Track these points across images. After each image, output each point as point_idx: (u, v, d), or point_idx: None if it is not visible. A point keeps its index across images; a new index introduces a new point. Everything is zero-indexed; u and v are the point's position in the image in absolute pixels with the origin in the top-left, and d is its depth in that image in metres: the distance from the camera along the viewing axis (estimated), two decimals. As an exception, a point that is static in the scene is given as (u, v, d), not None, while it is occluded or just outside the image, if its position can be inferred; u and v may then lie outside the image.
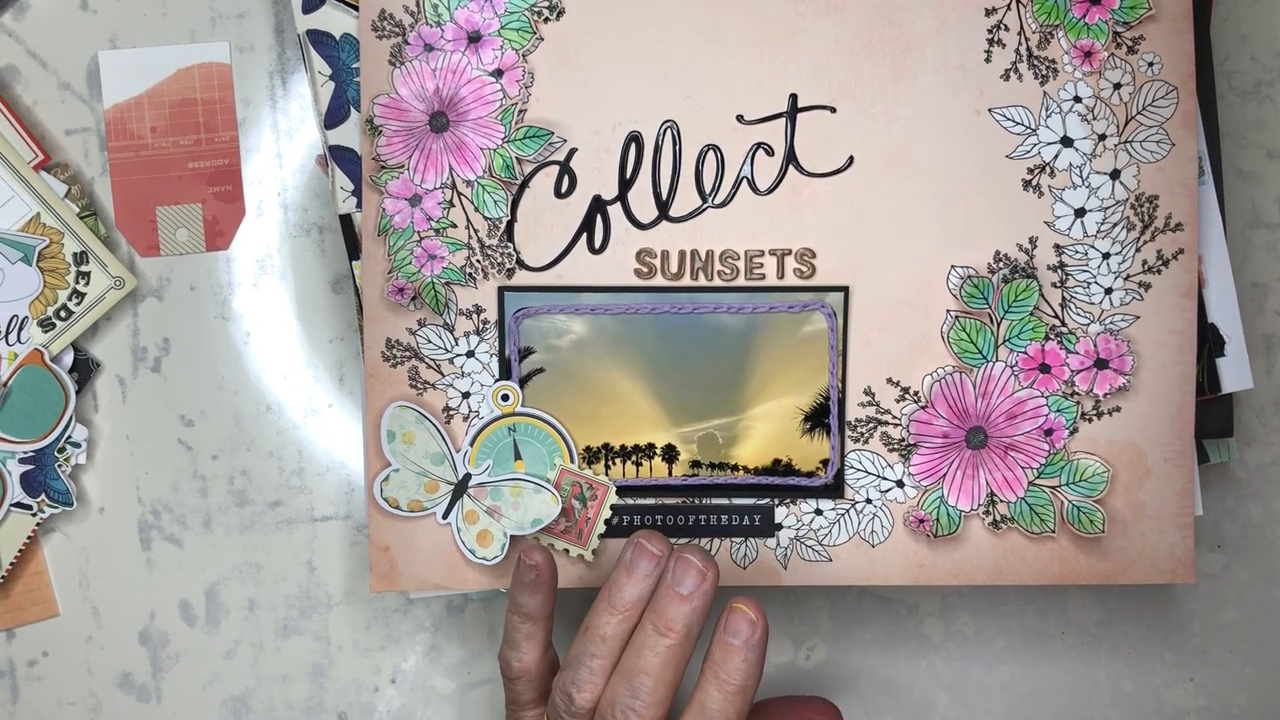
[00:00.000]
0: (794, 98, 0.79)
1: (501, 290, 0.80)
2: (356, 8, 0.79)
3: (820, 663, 0.89)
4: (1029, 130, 0.79)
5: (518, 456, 0.80)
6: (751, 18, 0.78)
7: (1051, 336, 0.79)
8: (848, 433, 0.80)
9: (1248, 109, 0.86)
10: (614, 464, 0.80)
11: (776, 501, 0.81)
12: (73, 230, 0.83)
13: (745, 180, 0.79)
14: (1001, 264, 0.79)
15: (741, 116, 0.79)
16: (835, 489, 0.81)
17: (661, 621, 0.71)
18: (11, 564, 0.85)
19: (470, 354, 0.80)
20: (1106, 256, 0.79)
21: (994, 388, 0.79)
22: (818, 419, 0.80)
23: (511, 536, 0.80)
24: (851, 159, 0.79)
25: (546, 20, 0.79)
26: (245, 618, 0.87)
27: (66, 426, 0.84)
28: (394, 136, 0.79)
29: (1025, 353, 0.79)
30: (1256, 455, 0.88)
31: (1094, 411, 0.80)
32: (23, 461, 0.83)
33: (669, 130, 0.79)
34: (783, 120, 0.79)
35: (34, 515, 0.84)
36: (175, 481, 0.87)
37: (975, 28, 0.78)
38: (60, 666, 0.88)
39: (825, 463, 0.80)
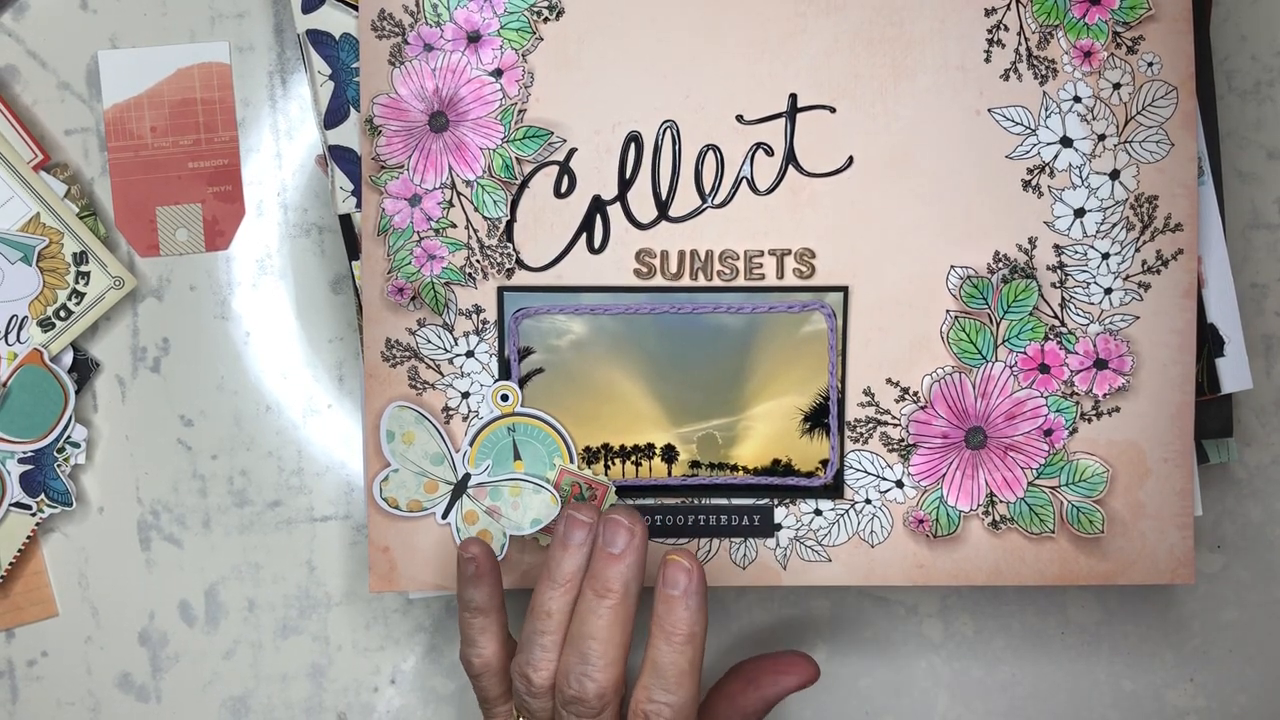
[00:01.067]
0: (794, 98, 0.79)
1: (501, 290, 0.80)
2: (356, 8, 0.79)
3: (820, 663, 0.88)
4: (1028, 130, 0.79)
5: (517, 457, 0.80)
6: (751, 18, 0.79)
7: (1051, 337, 0.79)
8: (847, 433, 0.80)
9: (1248, 109, 0.86)
10: (613, 464, 0.80)
11: (776, 502, 0.81)
12: (72, 230, 0.83)
13: (745, 180, 0.79)
14: (1001, 264, 0.79)
15: (741, 116, 0.79)
16: (835, 489, 0.81)
17: (599, 584, 0.72)
18: (11, 564, 0.85)
19: (470, 354, 0.80)
20: (1106, 257, 0.79)
21: (993, 388, 0.79)
22: (817, 419, 0.80)
23: (511, 537, 0.80)
24: (851, 159, 0.79)
25: (546, 20, 0.79)
26: (245, 618, 0.87)
27: (66, 426, 0.84)
28: (393, 136, 0.79)
29: (1025, 353, 0.79)
30: (1256, 455, 0.88)
31: (1093, 412, 0.80)
32: (22, 461, 0.83)
33: (668, 130, 0.79)
34: (782, 120, 0.79)
35: (33, 515, 0.84)
36: (175, 481, 0.87)
37: (975, 28, 0.78)
38: (60, 666, 0.88)
39: (825, 463, 0.80)
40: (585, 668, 0.72)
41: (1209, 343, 0.82)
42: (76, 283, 0.83)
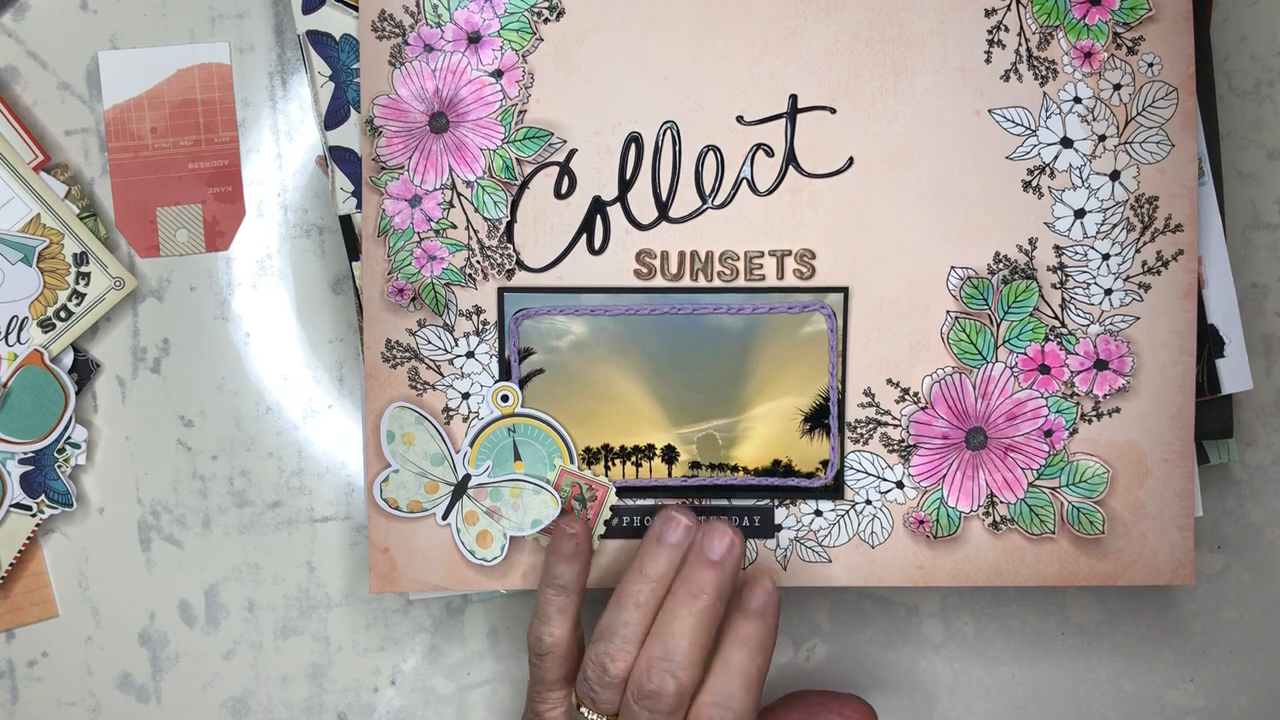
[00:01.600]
0: (794, 98, 0.79)
1: (501, 291, 0.80)
2: (356, 8, 0.79)
3: (820, 663, 0.89)
4: (1029, 131, 0.79)
5: (517, 457, 0.80)
6: (752, 18, 0.78)
7: (1051, 337, 0.79)
8: (847, 434, 0.80)
9: (1248, 109, 0.86)
10: (614, 465, 0.80)
11: (776, 502, 0.81)
12: (73, 231, 0.83)
13: (745, 181, 0.79)
14: (1001, 265, 0.79)
15: (741, 117, 0.79)
16: (835, 490, 0.81)
17: (695, 586, 0.74)
18: (11, 564, 0.85)
19: (470, 355, 0.80)
20: (1106, 257, 0.79)
21: (994, 389, 0.79)
22: (817, 420, 0.80)
23: (511, 537, 0.80)
24: (851, 160, 0.79)
25: (546, 21, 0.79)
26: (245, 618, 0.87)
27: (66, 427, 0.84)
28: (394, 137, 0.79)
29: (1025, 354, 0.79)
30: (1256, 456, 0.88)
31: (1094, 412, 0.80)
32: (22, 462, 0.83)
33: (669, 131, 0.79)
34: (783, 121, 0.79)
35: (34, 516, 0.84)
36: (175, 482, 0.87)
37: (975, 28, 0.78)
38: (60, 667, 0.88)
39: (825, 464, 0.80)
40: (669, 664, 0.73)
41: (1209, 343, 0.82)
42: (77, 283, 0.83)
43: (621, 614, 0.75)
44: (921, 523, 0.80)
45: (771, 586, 0.74)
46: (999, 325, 0.79)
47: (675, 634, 0.73)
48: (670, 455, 0.80)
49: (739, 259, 0.79)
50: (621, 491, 0.80)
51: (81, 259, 0.83)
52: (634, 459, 0.80)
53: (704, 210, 0.79)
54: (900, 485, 0.80)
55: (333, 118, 0.81)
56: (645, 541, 0.76)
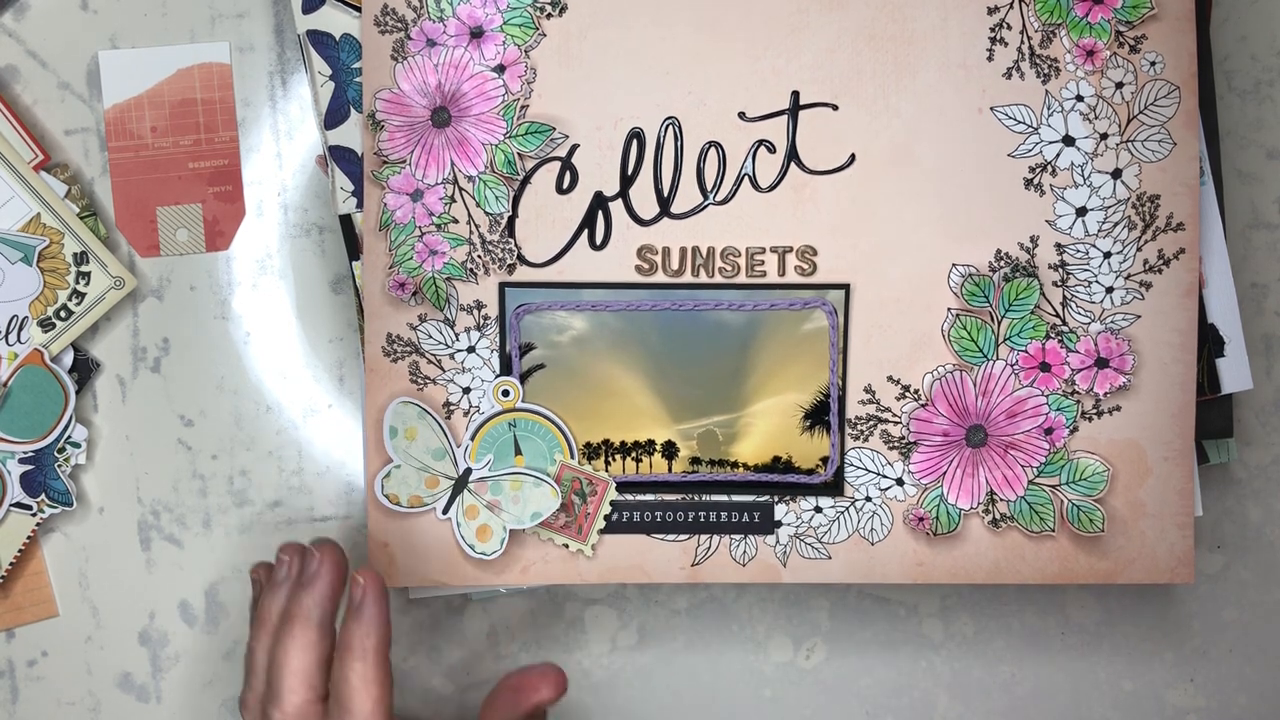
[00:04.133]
0: (796, 95, 0.79)
1: (502, 286, 0.80)
2: (356, 8, 0.80)
3: (820, 663, 0.89)
4: (1031, 129, 0.79)
5: (518, 452, 0.80)
6: (754, 14, 0.79)
7: (1052, 335, 0.79)
8: (848, 430, 0.80)
9: (1248, 109, 0.87)
10: (614, 460, 0.80)
11: (776, 499, 0.81)
12: (73, 230, 0.82)
13: (747, 177, 0.79)
14: (1002, 263, 0.79)
15: (743, 113, 0.79)
16: (835, 486, 0.81)
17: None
18: (11, 564, 0.84)
19: (471, 349, 0.80)
20: (1107, 256, 0.79)
21: (994, 386, 0.80)
22: (818, 416, 0.80)
23: (511, 531, 0.80)
24: (853, 156, 0.79)
25: (549, 16, 0.79)
26: (245, 618, 0.87)
27: (66, 426, 0.84)
28: (396, 131, 0.79)
29: (1026, 351, 0.79)
30: (1256, 455, 0.88)
31: (1094, 410, 0.80)
32: (23, 461, 0.83)
33: (671, 127, 0.79)
34: (784, 117, 0.79)
35: (34, 515, 0.84)
36: (175, 481, 0.87)
37: (978, 26, 0.79)
38: (60, 666, 0.87)
39: (825, 460, 0.80)
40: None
41: (1209, 343, 0.82)
42: (77, 283, 0.83)
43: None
44: (921, 520, 0.80)
45: (364, 580, 0.73)
46: (1000, 323, 0.79)
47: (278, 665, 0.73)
48: (670, 451, 0.80)
49: (740, 255, 0.79)
50: (622, 487, 0.80)
51: (81, 258, 0.83)
52: (634, 454, 0.80)
53: (705, 206, 0.79)
54: (900, 482, 0.80)
55: (333, 117, 0.81)
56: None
